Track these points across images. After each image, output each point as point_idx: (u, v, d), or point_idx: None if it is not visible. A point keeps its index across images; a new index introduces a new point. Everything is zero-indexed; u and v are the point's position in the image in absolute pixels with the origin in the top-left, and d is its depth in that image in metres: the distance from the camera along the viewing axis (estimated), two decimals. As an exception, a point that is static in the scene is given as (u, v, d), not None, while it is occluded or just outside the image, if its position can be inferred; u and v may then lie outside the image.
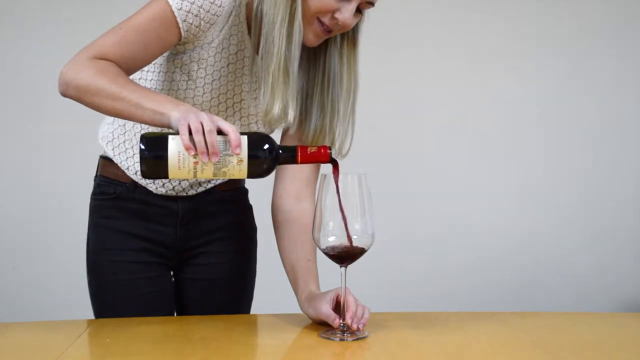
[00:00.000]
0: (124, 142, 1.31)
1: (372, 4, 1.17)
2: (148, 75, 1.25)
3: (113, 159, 1.32)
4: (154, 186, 1.31)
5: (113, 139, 1.32)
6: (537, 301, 2.83)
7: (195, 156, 0.98)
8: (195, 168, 0.99)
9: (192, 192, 1.33)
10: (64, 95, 1.12)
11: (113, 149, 1.32)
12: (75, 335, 1.11)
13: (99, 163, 1.37)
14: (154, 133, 1.02)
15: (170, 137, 0.99)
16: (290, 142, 1.30)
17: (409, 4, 2.65)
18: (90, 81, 1.07)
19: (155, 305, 1.33)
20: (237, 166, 1.00)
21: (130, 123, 1.29)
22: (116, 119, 1.32)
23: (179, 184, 1.31)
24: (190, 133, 0.98)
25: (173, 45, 1.17)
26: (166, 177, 1.00)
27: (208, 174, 1.00)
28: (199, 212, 1.36)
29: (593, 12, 2.85)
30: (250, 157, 1.00)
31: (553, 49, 2.85)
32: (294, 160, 1.04)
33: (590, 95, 2.87)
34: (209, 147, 0.98)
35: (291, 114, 1.19)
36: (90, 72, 1.08)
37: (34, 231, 2.73)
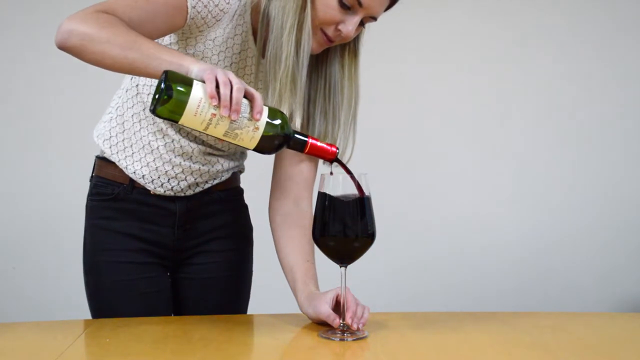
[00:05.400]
0: (122, 140, 1.30)
1: (374, 19, 1.18)
2: None
3: (110, 158, 1.32)
4: (153, 186, 1.30)
5: (110, 137, 1.32)
6: (537, 301, 2.83)
7: (215, 107, 0.95)
8: (210, 120, 0.96)
9: (189, 192, 1.33)
10: (63, 46, 1.04)
11: (110, 147, 1.31)
12: (75, 335, 1.11)
13: (95, 164, 1.37)
14: (177, 72, 0.97)
15: (195, 81, 0.96)
16: None
17: (410, 8, 2.65)
18: (100, 29, 1.02)
19: (154, 305, 1.33)
20: (250, 132, 0.98)
21: (130, 122, 1.29)
22: (114, 117, 1.32)
23: (178, 184, 1.31)
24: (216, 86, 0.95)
25: (175, 31, 1.16)
26: (177, 119, 0.96)
27: (219, 131, 0.97)
28: (196, 213, 1.35)
29: (596, 12, 2.85)
30: (266, 128, 0.99)
31: (554, 48, 2.85)
32: (302, 148, 1.04)
33: (589, 93, 2.87)
34: (233, 102, 0.95)
35: (297, 122, 1.21)
36: (99, 22, 1.02)
37: (34, 231, 2.73)
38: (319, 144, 1.05)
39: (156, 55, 1.00)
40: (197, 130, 0.99)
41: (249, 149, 1.02)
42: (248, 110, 0.98)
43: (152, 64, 1.00)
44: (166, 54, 1.01)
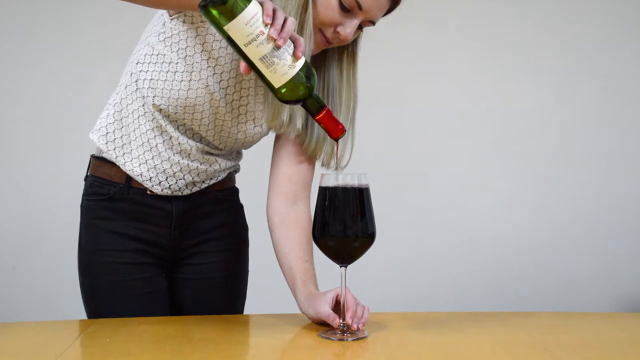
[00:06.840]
0: (120, 137, 1.29)
1: (373, 23, 1.19)
2: (150, 67, 1.23)
3: (107, 154, 1.31)
4: (150, 184, 1.30)
5: (107, 133, 1.30)
6: (537, 301, 2.83)
7: (266, 27, 0.96)
8: (257, 37, 0.96)
9: (186, 191, 1.33)
10: None
11: (107, 144, 1.30)
12: (75, 335, 1.11)
13: (90, 163, 1.36)
14: None
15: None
16: (288, 147, 1.32)
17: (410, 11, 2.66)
18: None
19: (151, 305, 1.32)
20: (286, 67, 0.99)
21: (128, 118, 1.28)
22: (111, 114, 1.30)
23: (175, 182, 1.30)
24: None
25: (189, 8, 1.14)
26: (223, 24, 0.96)
27: (259, 52, 0.97)
28: (192, 213, 1.35)
29: (599, 12, 2.85)
30: (299, 71, 1.00)
31: (557, 50, 2.85)
32: (318, 111, 1.04)
33: (587, 93, 2.87)
34: (285, 29, 0.96)
35: (299, 122, 1.21)
36: None
37: (34, 231, 2.73)
38: (333, 115, 1.05)
39: None
40: (237, 45, 0.98)
41: (274, 87, 1.01)
42: (292, 46, 0.99)
43: None
44: None
